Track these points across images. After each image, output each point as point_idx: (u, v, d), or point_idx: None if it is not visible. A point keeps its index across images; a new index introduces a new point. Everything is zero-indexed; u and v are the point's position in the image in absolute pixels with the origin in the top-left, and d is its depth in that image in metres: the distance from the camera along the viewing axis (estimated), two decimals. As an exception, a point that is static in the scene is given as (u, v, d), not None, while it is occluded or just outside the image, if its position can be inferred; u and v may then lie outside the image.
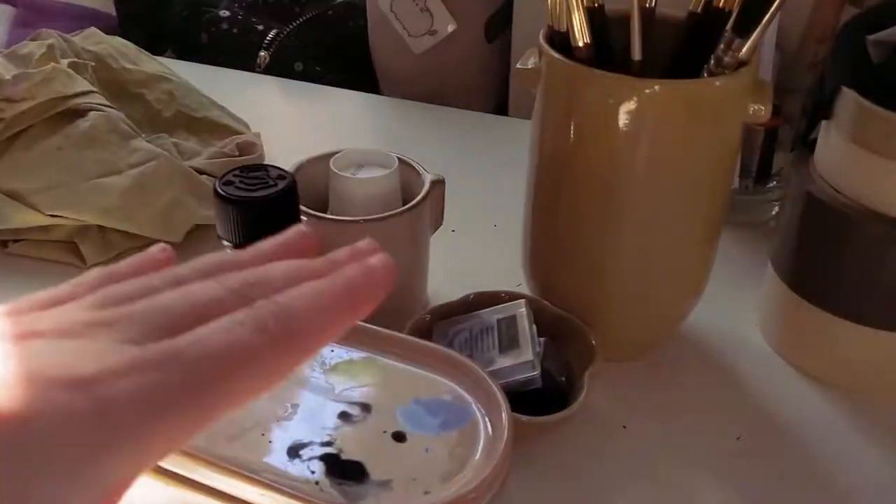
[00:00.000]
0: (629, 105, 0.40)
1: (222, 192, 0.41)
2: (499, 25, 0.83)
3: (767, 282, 0.51)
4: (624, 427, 0.45)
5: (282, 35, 0.85)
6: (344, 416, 0.35)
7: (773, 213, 0.62)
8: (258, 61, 0.85)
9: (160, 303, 0.22)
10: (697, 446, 0.44)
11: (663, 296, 0.46)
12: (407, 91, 0.85)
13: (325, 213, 0.50)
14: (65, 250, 0.55)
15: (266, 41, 0.86)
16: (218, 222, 0.42)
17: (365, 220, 0.46)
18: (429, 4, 0.79)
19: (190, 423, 0.20)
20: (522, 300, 0.45)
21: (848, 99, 0.43)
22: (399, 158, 0.50)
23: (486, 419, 0.34)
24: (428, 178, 0.50)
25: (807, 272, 0.47)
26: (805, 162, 0.48)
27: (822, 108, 0.46)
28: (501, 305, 0.45)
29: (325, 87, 0.83)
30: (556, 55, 0.42)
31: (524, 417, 0.39)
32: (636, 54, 0.40)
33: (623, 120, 0.40)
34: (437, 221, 0.51)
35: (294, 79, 0.83)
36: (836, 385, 0.48)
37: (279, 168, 0.43)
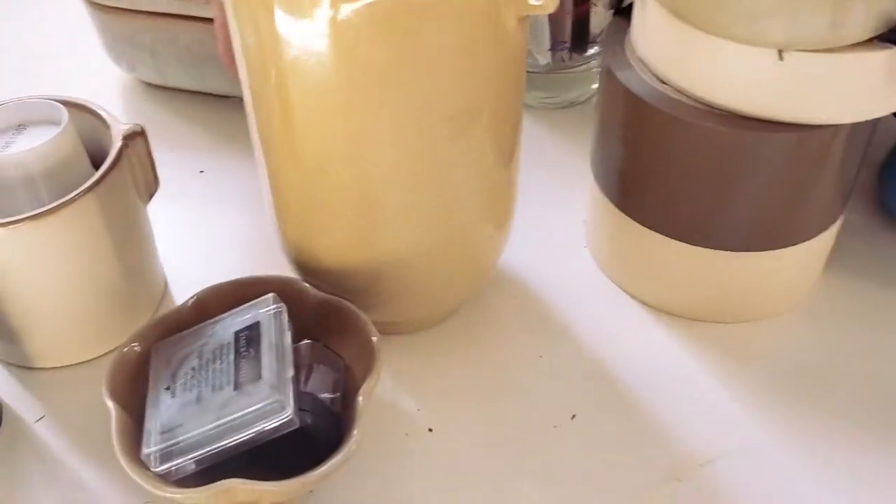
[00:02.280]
0: (367, 15, 0.27)
1: None
2: None
3: (591, 197, 0.40)
4: (430, 430, 0.35)
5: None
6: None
7: (597, 86, 0.51)
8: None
9: None
10: (521, 435, 0.35)
11: (460, 245, 0.35)
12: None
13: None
14: None
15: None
16: None
17: (29, 219, 0.32)
18: None
19: None
20: (270, 295, 0.33)
21: (662, -45, 0.31)
22: (73, 106, 0.35)
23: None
24: (119, 132, 0.35)
25: (633, 187, 0.37)
26: (619, 40, 0.36)
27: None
28: (243, 307, 0.33)
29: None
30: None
31: (270, 485, 0.28)
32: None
33: (361, 37, 0.27)
34: (150, 185, 0.37)
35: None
36: (683, 315, 0.39)
37: None
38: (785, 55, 0.30)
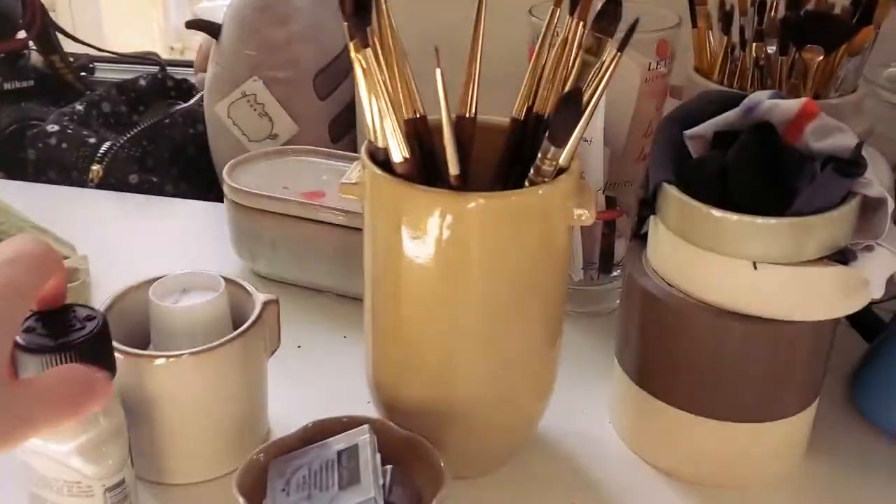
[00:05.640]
0: (453, 219, 0.39)
1: (21, 342, 0.37)
2: (344, 126, 0.82)
3: (616, 378, 0.50)
4: (481, 551, 0.43)
5: (115, 147, 0.81)
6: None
7: (619, 301, 0.62)
8: (90, 175, 0.81)
9: None
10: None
11: (511, 403, 0.45)
12: (253, 197, 0.82)
13: (148, 347, 0.46)
14: None
15: (99, 154, 0.82)
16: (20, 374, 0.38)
17: (190, 354, 0.43)
18: (268, 109, 0.77)
19: None
20: (365, 426, 0.43)
21: (670, 195, 0.44)
22: (227, 280, 0.47)
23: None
24: (260, 299, 0.47)
25: (650, 367, 0.47)
26: (638, 256, 0.48)
27: (647, 204, 0.46)
28: (343, 434, 0.42)
29: (164, 198, 0.79)
30: (378, 171, 0.41)
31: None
32: (453, 168, 0.39)
33: (449, 233, 0.39)
34: (274, 344, 0.48)
35: (130, 192, 0.79)
36: (691, 480, 0.47)
37: (87, 307, 0.39)
38: (759, 266, 0.41)
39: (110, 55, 1.06)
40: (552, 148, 0.38)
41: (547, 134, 0.39)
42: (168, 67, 1.01)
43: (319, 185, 0.64)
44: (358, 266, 0.57)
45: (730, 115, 0.46)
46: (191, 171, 0.87)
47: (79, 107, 0.88)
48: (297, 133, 0.78)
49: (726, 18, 0.52)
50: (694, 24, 0.55)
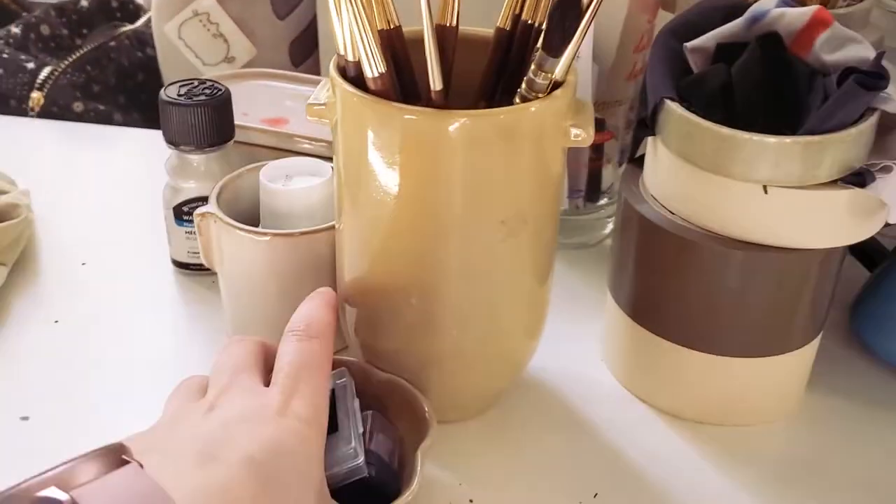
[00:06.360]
0: (435, 140, 0.35)
1: (167, 99, 0.47)
2: (306, 49, 0.77)
3: (608, 312, 0.47)
4: (470, 501, 0.40)
5: (57, 72, 0.75)
6: None
7: (607, 231, 0.59)
8: (30, 104, 0.74)
9: None
10: (553, 510, 0.39)
11: (499, 343, 0.41)
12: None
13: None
14: None
15: (39, 80, 0.75)
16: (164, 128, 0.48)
17: (302, 234, 0.43)
18: (222, 30, 0.71)
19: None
20: (342, 369, 0.39)
21: (671, 112, 0.40)
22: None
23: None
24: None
25: (647, 301, 0.44)
26: (634, 181, 0.45)
27: (645, 124, 0.42)
28: (318, 379, 0.39)
29: (112, 127, 0.73)
30: (349, 88, 0.36)
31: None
32: (436, 83, 0.35)
33: (431, 156, 0.35)
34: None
35: (73, 121, 0.73)
36: (690, 418, 0.45)
37: (214, 81, 0.48)
38: (769, 190, 0.38)
39: (48, -27, 0.98)
40: (548, 59, 0.34)
41: (541, 42, 0.34)
42: (112, -13, 0.94)
43: (283, 112, 0.59)
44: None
45: (733, 26, 0.42)
46: (140, 98, 0.81)
47: (15, 29, 0.81)
48: (254, 56, 0.72)
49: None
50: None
